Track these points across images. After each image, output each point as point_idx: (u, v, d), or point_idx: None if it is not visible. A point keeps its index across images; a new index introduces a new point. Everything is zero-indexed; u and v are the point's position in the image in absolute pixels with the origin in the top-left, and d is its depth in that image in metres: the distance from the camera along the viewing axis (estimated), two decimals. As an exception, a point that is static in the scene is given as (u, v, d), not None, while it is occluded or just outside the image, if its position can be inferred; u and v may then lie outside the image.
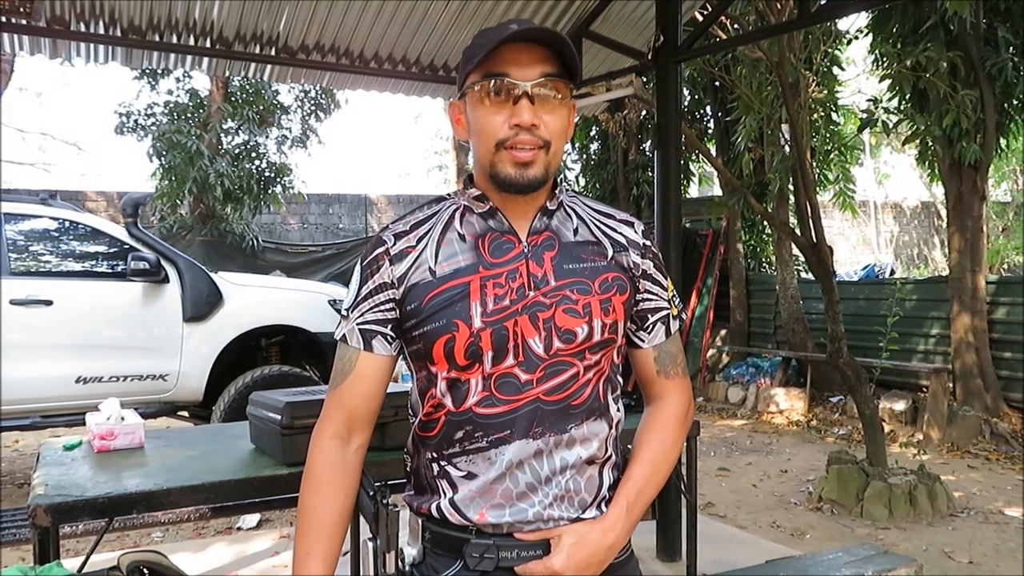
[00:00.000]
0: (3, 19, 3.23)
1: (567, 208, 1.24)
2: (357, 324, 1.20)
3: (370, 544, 1.15)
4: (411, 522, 1.22)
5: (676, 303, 1.30)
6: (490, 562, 1.13)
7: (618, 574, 1.22)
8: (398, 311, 1.19)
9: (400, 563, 1.17)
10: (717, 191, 11.96)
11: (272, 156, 12.35)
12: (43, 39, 3.72)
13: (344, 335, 1.22)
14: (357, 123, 34.83)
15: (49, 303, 4.84)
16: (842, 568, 2.46)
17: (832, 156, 7.93)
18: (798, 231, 5.29)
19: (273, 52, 4.23)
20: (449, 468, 1.17)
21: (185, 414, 5.52)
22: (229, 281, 5.50)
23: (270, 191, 12.03)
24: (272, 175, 12.10)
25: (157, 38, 3.90)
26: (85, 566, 1.84)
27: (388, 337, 1.20)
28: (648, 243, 1.26)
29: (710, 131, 10.35)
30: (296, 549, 1.16)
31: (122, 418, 2.43)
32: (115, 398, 2.52)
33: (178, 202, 11.55)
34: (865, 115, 5.60)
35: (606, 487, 1.21)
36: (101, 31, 3.74)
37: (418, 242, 1.19)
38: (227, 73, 4.59)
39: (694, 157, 10.59)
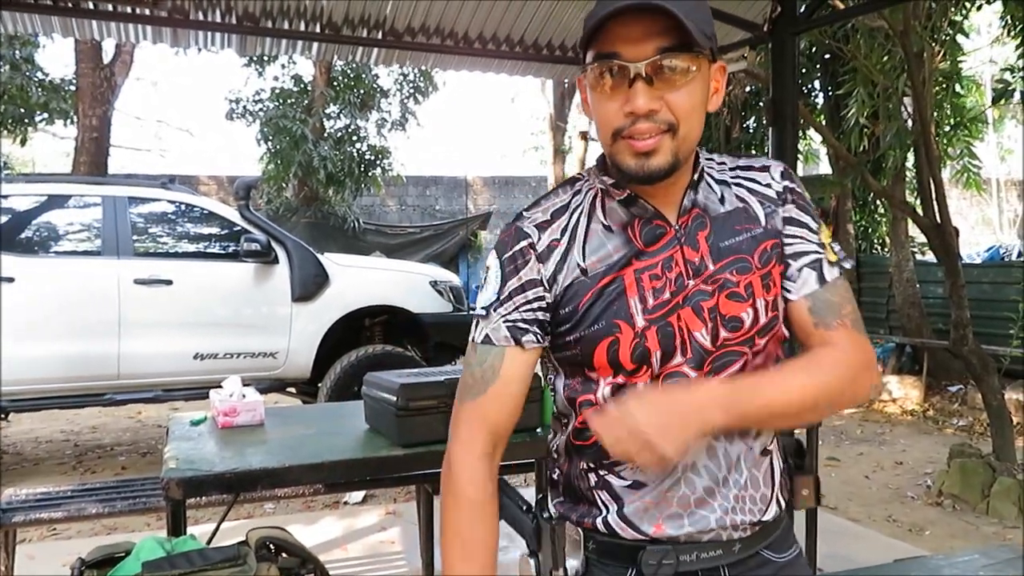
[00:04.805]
0: (131, 10, 3.36)
1: (707, 175, 1.10)
2: (504, 322, 1.07)
3: (531, 561, 1.08)
4: (568, 532, 1.14)
5: (835, 249, 1.11)
6: (669, 568, 1.05)
7: (784, 574, 1.12)
8: (551, 314, 1.08)
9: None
10: (823, 169, 11.44)
11: (372, 139, 12.62)
12: (164, 28, 3.86)
13: (487, 335, 1.08)
14: (454, 105, 35.17)
15: (169, 283, 5.07)
16: (980, 571, 2.30)
17: (955, 131, 7.44)
18: (919, 210, 4.99)
19: (380, 36, 4.26)
20: (611, 478, 1.07)
21: (293, 390, 5.71)
22: (334, 262, 5.63)
23: (370, 173, 12.30)
24: (372, 158, 12.36)
25: (270, 24, 3.99)
26: (214, 539, 1.90)
27: (538, 336, 1.08)
28: (789, 184, 1.10)
29: (818, 106, 9.89)
30: None
31: (243, 395, 2.51)
32: (236, 375, 2.61)
33: (283, 185, 11.97)
34: (999, 85, 5.21)
35: (778, 474, 1.12)
36: (218, 19, 3.85)
37: (562, 235, 1.07)
38: (335, 58, 4.67)
39: (800, 133, 10.15)
